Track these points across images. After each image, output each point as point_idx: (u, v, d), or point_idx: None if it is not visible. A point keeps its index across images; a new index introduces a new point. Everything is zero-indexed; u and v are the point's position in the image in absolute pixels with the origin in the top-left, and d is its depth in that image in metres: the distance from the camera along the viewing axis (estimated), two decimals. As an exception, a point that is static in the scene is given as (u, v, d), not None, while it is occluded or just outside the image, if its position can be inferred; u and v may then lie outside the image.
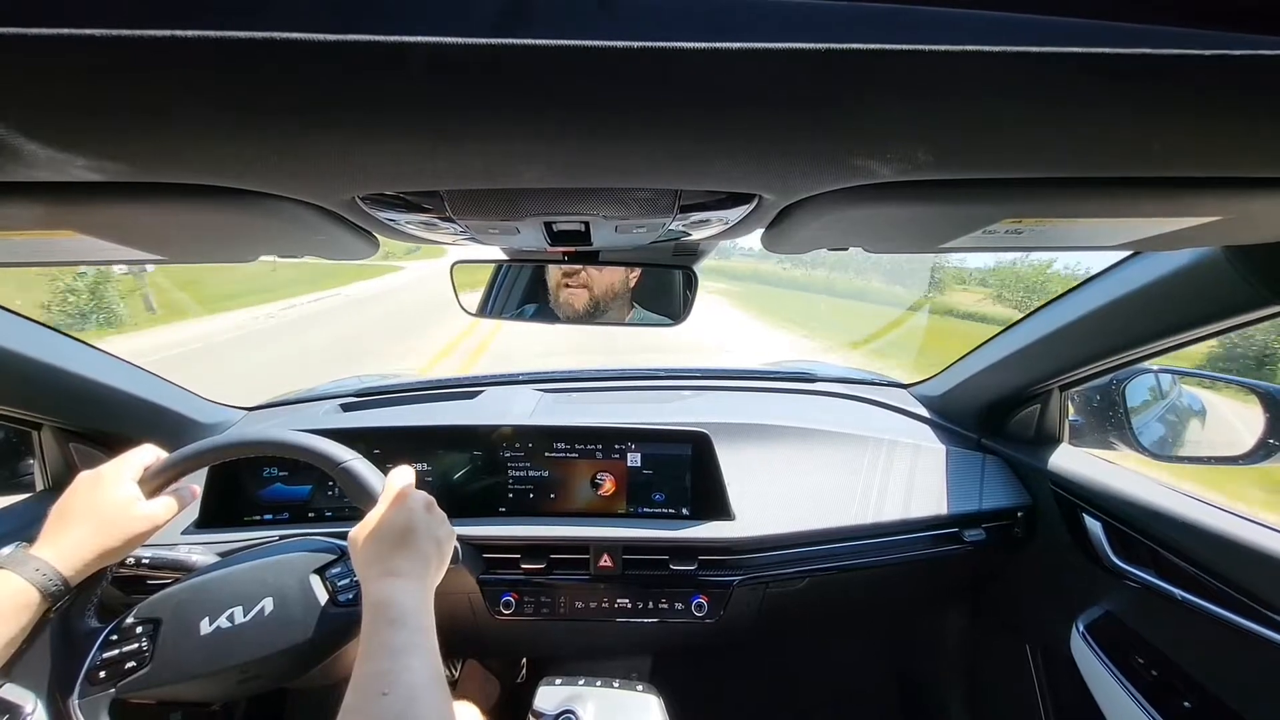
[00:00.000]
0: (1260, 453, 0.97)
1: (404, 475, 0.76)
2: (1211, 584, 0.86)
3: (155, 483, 0.77)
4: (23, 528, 1.00)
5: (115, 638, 0.78)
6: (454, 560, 0.77)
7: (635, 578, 1.12)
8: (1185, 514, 0.90)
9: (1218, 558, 0.85)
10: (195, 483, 0.83)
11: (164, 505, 0.76)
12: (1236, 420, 1.07)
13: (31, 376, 1.00)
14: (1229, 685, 0.87)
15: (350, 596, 0.84)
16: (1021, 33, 0.24)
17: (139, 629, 0.79)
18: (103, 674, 0.76)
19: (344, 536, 0.82)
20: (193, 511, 1.09)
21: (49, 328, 1.05)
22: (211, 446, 0.79)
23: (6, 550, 0.67)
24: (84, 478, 0.75)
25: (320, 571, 0.86)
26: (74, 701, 0.74)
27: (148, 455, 0.79)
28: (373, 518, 0.71)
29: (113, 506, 0.72)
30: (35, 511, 1.06)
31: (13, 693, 0.88)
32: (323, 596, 0.84)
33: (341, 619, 0.83)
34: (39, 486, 1.16)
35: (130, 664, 0.77)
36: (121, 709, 0.76)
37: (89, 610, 0.79)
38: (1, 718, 0.86)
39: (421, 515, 0.72)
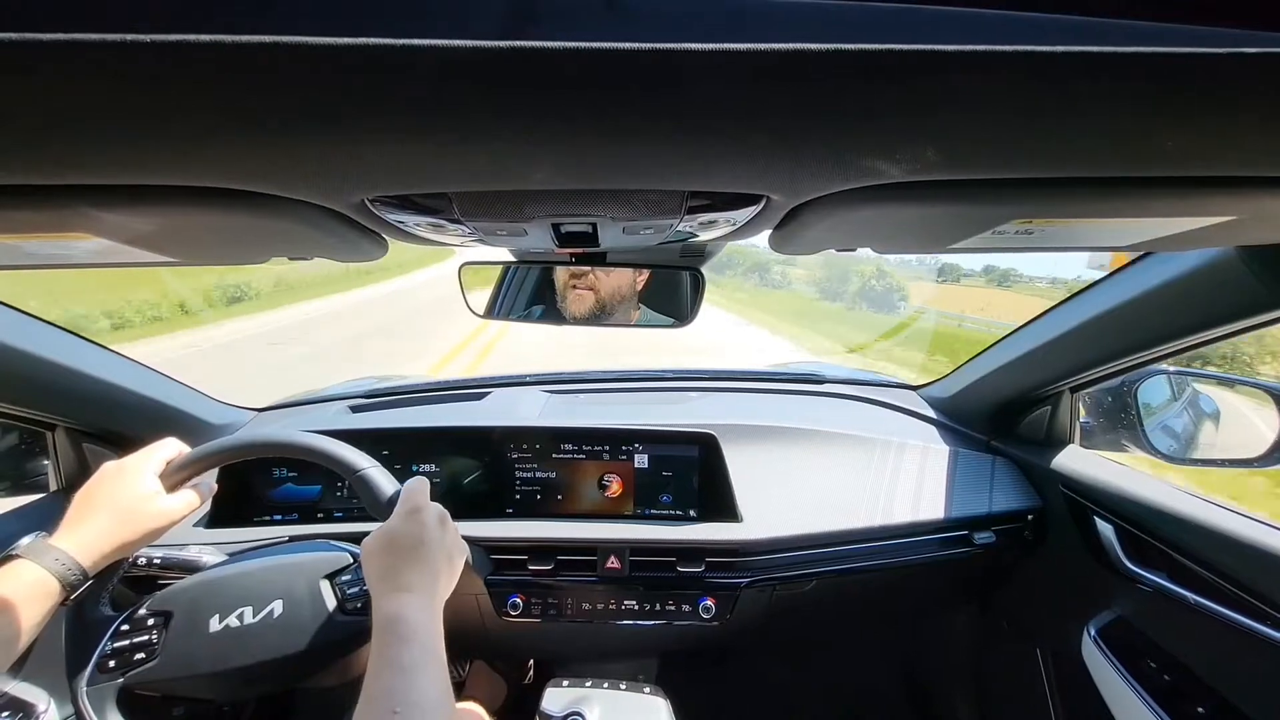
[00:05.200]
0: (1276, 455, 0.96)
1: (420, 487, 0.76)
2: (1225, 588, 0.85)
3: (177, 477, 0.77)
4: (36, 527, 1.01)
5: (126, 628, 0.79)
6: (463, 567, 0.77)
7: (642, 579, 1.12)
8: (1198, 517, 0.89)
9: (1232, 562, 0.84)
10: (213, 479, 0.84)
11: (184, 500, 0.77)
12: (1251, 422, 1.06)
13: (45, 378, 1.01)
14: (1243, 691, 0.86)
15: (359, 605, 0.85)
16: (1031, 32, 0.24)
17: (150, 621, 0.80)
18: (112, 663, 0.77)
19: (353, 537, 0.82)
20: (203, 510, 1.10)
21: (61, 329, 1.06)
22: (233, 445, 0.80)
23: (27, 540, 0.68)
24: (108, 468, 0.76)
25: (331, 577, 0.86)
26: (82, 689, 0.75)
27: (170, 449, 0.80)
28: (386, 530, 0.71)
29: (134, 499, 0.73)
30: (49, 511, 1.07)
31: (26, 691, 0.89)
32: (332, 603, 0.84)
33: (349, 628, 0.83)
34: (52, 486, 1.17)
35: (139, 655, 0.78)
36: (128, 699, 0.77)
37: (103, 599, 0.81)
38: (16, 716, 0.87)
39: (434, 529, 0.72)
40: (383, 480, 0.79)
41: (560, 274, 1.10)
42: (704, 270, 1.03)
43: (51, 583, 0.65)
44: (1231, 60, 0.24)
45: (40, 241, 0.50)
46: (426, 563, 0.68)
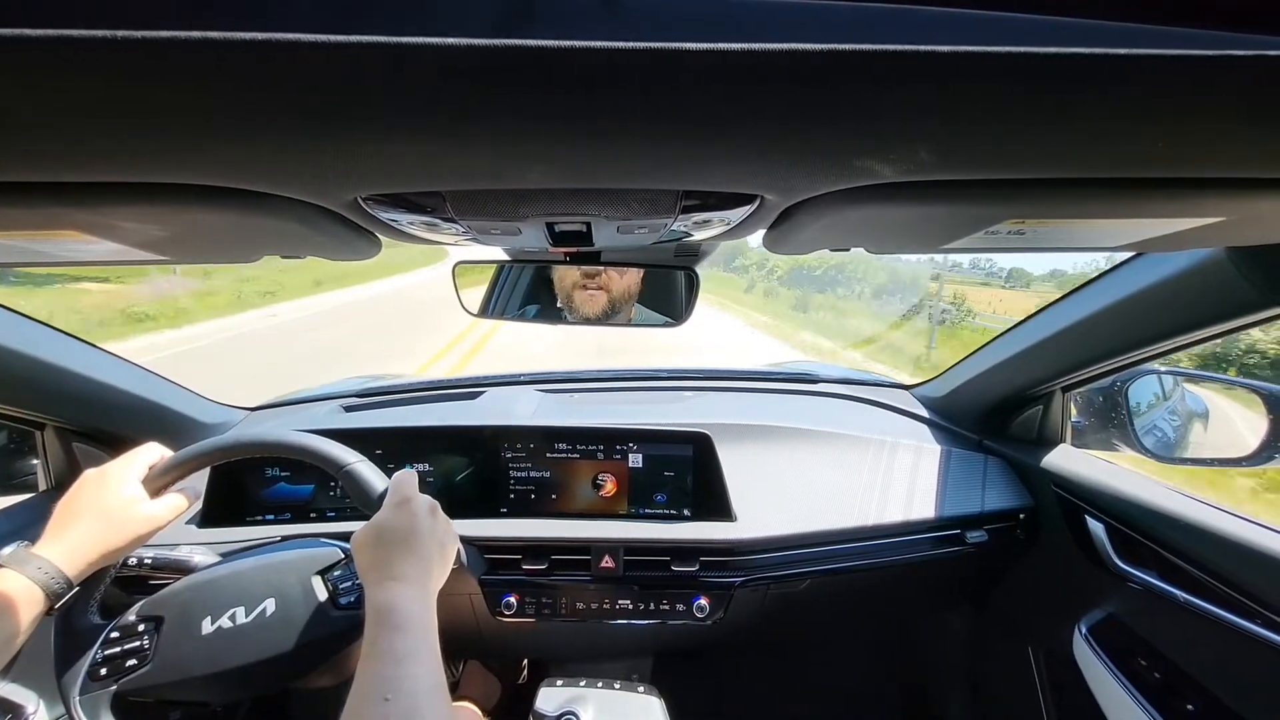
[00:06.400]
0: (1264, 454, 0.97)
1: (408, 479, 0.76)
2: (1215, 586, 0.85)
3: (160, 482, 0.76)
4: (25, 527, 1.00)
5: (117, 635, 0.78)
6: (457, 563, 0.77)
7: (637, 579, 1.12)
8: (1188, 516, 0.90)
9: (1221, 560, 0.85)
10: (198, 482, 0.83)
11: (168, 505, 0.76)
12: (1240, 422, 1.07)
13: (34, 376, 1.00)
14: (1232, 688, 0.87)
15: (352, 599, 0.84)
16: (1024, 33, 0.24)
17: (141, 626, 0.79)
18: (104, 671, 0.76)
19: (346, 536, 0.82)
20: (192, 511, 1.09)
21: (52, 328, 1.05)
22: (216, 446, 0.79)
23: (9, 549, 0.68)
24: (89, 476, 0.75)
25: (323, 573, 0.86)
26: (75, 698, 0.74)
27: (153, 454, 0.79)
28: (376, 522, 0.71)
29: (117, 505, 0.72)
30: (38, 511, 1.06)
31: (15, 693, 0.88)
32: (325, 599, 0.84)
33: (343, 622, 0.83)
34: (42, 486, 1.16)
35: (131, 661, 0.77)
36: (123, 706, 0.76)
37: (91, 607, 0.80)
38: (5, 717, 0.86)
39: (425, 519, 0.71)
40: (371, 474, 0.78)
41: (569, 274, 1.09)
42: (697, 270, 1.03)
43: (35, 591, 0.64)
44: (1221, 62, 0.24)
45: (29, 239, 0.50)
46: (418, 553, 0.68)
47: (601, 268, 1.03)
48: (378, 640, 0.58)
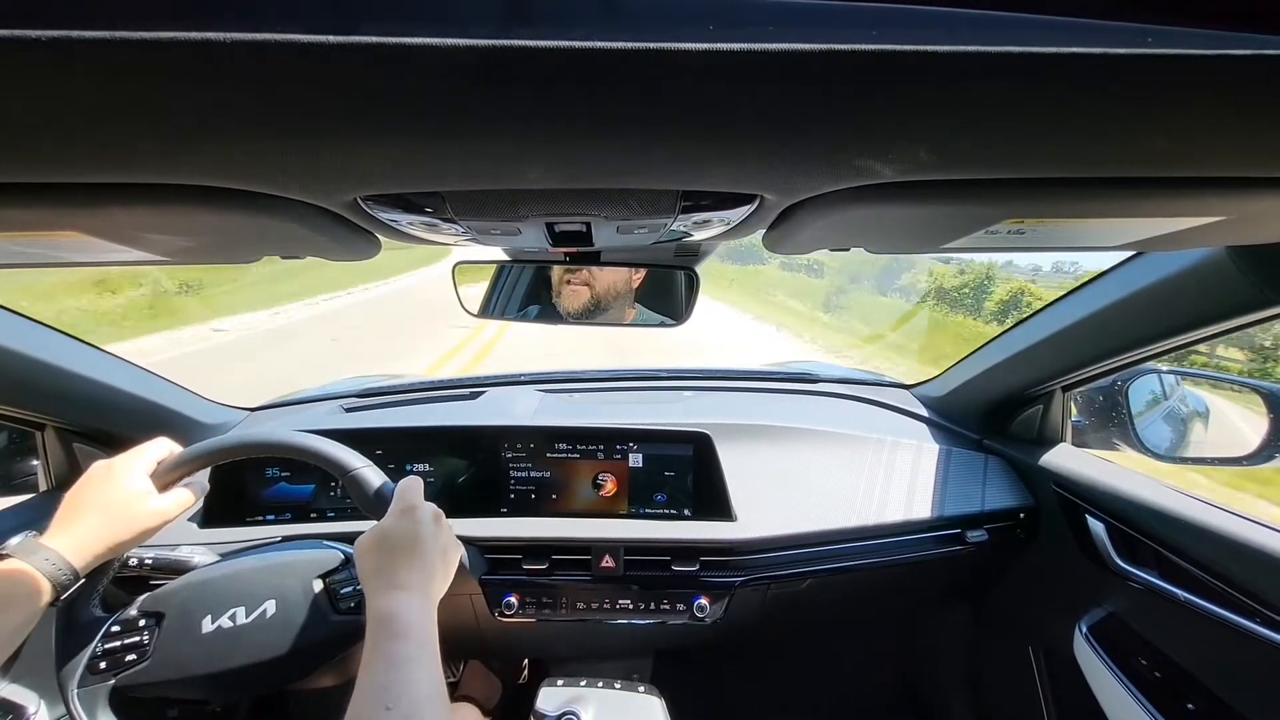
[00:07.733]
0: (1265, 453, 0.97)
1: (414, 486, 0.76)
2: (1215, 585, 0.85)
3: (169, 477, 0.77)
4: (25, 527, 1.00)
5: (118, 629, 0.79)
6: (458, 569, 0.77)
7: (637, 578, 1.12)
8: (1188, 515, 0.90)
9: (1221, 559, 0.85)
10: (205, 478, 0.84)
11: (175, 500, 0.76)
12: (1241, 421, 1.07)
13: (34, 377, 1.00)
14: (1232, 687, 0.87)
15: (353, 604, 0.84)
16: (1024, 32, 0.24)
17: (142, 621, 0.79)
18: (103, 664, 0.76)
19: (347, 536, 0.82)
20: (196, 508, 1.09)
21: (51, 328, 1.05)
22: (225, 445, 0.79)
23: (16, 540, 0.68)
24: (97, 468, 0.75)
25: (324, 577, 0.86)
26: (73, 690, 0.74)
27: (162, 449, 0.79)
28: (380, 528, 0.71)
29: (124, 499, 0.72)
30: (38, 511, 1.06)
31: (16, 693, 0.88)
32: (325, 602, 0.84)
33: (343, 626, 0.83)
34: (42, 486, 1.16)
35: (130, 656, 0.77)
36: (121, 701, 0.76)
37: (94, 599, 0.80)
38: (5, 717, 0.86)
39: (429, 527, 0.72)
40: (375, 479, 0.79)
41: (555, 270, 1.10)
42: (698, 269, 1.03)
43: (41, 582, 0.64)
44: (1220, 62, 0.24)
45: (29, 241, 0.50)
46: (421, 560, 0.68)
47: (583, 265, 1.03)
48: (379, 647, 0.59)
